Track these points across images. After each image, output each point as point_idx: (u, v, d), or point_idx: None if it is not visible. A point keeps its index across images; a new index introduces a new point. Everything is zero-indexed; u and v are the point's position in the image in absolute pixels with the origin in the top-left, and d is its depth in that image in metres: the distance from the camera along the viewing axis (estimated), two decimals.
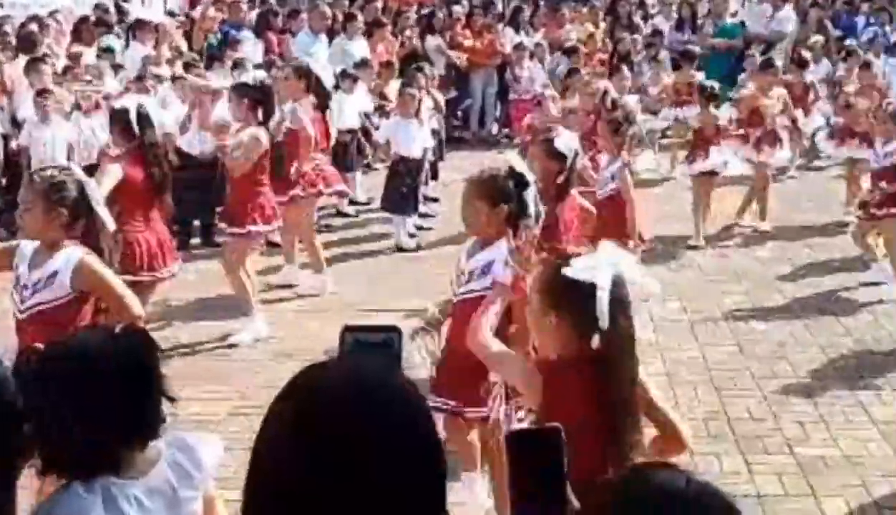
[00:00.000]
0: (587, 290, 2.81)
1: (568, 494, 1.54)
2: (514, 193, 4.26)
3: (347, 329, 1.59)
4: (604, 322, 2.79)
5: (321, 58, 12.23)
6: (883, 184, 8.01)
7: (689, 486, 1.37)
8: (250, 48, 12.63)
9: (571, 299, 2.86)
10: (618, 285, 2.86)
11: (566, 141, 5.60)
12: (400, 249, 9.57)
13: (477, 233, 4.40)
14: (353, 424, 1.32)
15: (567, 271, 2.88)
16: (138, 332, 2.38)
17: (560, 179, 5.47)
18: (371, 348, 1.56)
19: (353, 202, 11.01)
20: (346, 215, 10.85)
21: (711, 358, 6.81)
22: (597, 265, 2.86)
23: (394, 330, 1.60)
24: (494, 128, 15.24)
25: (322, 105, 8.65)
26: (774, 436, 5.68)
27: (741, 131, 10.22)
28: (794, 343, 7.09)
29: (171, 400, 2.32)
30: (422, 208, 10.21)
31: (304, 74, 8.40)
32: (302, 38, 13.23)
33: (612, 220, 6.56)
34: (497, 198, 4.25)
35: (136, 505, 2.23)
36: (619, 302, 2.85)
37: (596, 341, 2.82)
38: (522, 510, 1.53)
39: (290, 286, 8.35)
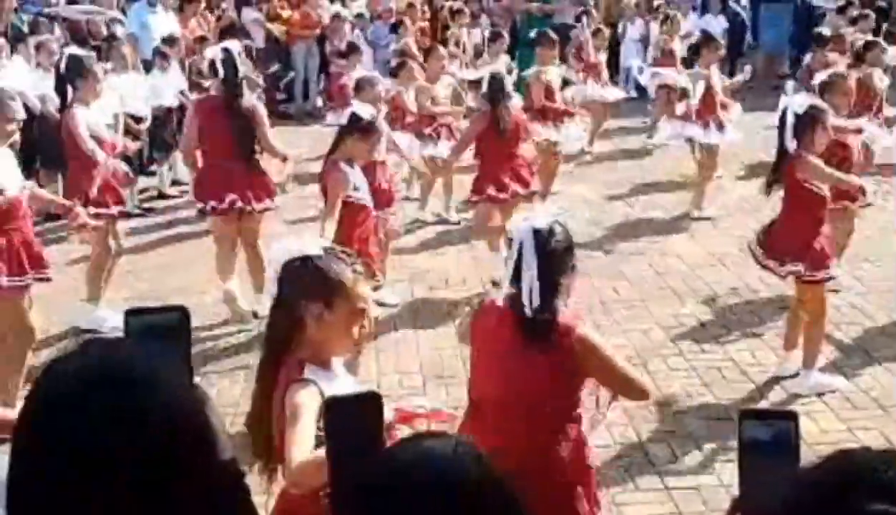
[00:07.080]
0: None
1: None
2: None
3: (129, 313, 1.53)
4: None
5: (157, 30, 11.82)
6: None
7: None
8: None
9: None
10: None
11: None
12: None
13: None
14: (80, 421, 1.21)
15: None
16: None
17: None
18: (156, 332, 1.50)
19: (176, 182, 10.75)
20: (171, 197, 10.57)
21: None
22: None
23: (179, 309, 1.55)
24: (318, 101, 15.01)
25: None
26: None
27: None
28: None
29: None
30: None
31: None
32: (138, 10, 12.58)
33: None
34: None
35: None
36: None
37: None
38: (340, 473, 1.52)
39: None
